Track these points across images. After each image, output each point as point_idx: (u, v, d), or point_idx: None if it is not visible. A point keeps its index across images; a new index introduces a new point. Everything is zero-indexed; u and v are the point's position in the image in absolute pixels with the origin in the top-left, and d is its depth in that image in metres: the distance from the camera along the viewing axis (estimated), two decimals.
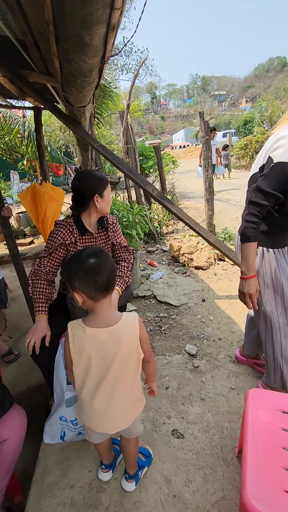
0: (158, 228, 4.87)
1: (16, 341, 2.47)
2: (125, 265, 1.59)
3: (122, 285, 1.50)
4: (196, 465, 1.29)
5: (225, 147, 9.63)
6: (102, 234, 1.55)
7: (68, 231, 1.43)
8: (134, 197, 4.64)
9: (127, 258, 1.63)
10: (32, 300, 1.42)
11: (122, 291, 1.49)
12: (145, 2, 1.38)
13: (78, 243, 1.46)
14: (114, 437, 1.37)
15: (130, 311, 2.65)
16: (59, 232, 1.42)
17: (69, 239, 1.43)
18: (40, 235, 5.77)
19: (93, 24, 0.99)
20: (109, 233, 1.57)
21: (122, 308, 1.63)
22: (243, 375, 1.79)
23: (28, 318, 2.66)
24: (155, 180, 6.45)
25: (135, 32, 1.58)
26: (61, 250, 1.45)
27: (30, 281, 1.44)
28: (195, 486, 1.21)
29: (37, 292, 1.41)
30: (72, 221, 1.46)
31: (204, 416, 1.53)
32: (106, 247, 1.58)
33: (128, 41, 1.95)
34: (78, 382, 0.99)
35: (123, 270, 1.57)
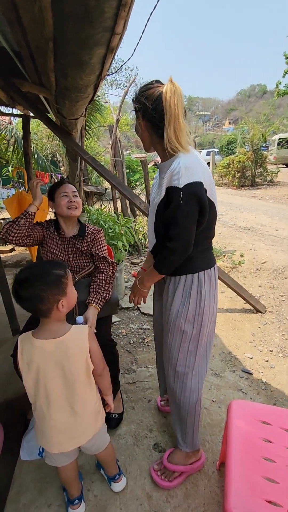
0: (142, 240, 4.92)
1: None
2: (102, 277, 1.56)
3: (99, 301, 1.48)
4: None
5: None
6: (78, 241, 1.58)
7: (46, 224, 1.61)
8: (119, 209, 4.69)
9: (105, 270, 1.59)
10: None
11: (100, 307, 1.48)
12: (145, 26, 1.46)
13: (51, 238, 1.57)
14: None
15: (114, 322, 2.63)
16: (40, 222, 1.63)
17: (47, 225, 1.60)
18: None
19: (92, 46, 1.04)
20: (85, 242, 1.58)
21: (106, 318, 1.62)
22: (224, 388, 1.82)
23: (7, 328, 2.56)
24: (140, 193, 6.57)
25: (132, 54, 1.66)
26: (38, 228, 1.57)
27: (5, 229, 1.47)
28: (177, 501, 1.20)
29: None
30: (52, 221, 1.63)
31: None
32: (80, 253, 1.59)
33: (125, 62, 2.05)
34: (30, 397, 0.98)
35: (100, 284, 1.53)
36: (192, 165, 1.01)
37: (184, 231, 1.00)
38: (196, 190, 0.98)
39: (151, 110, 1.05)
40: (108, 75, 0.74)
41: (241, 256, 3.90)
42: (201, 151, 20.68)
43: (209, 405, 1.68)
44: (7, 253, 5.18)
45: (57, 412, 0.96)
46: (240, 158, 10.85)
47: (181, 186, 0.98)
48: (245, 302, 2.76)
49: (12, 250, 5.35)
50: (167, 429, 1.54)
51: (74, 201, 1.52)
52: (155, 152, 1.20)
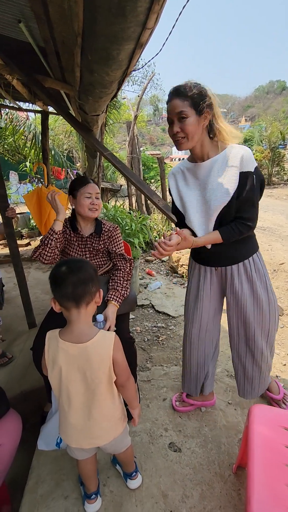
0: (157, 238, 4.90)
1: (9, 343, 2.42)
2: (120, 274, 1.56)
3: (118, 299, 1.48)
4: (193, 481, 1.28)
5: None
6: (95, 239, 1.58)
7: (63, 227, 1.57)
8: (133, 205, 4.69)
9: (123, 266, 1.59)
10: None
11: (119, 305, 1.48)
12: (176, 20, 1.44)
13: (67, 239, 1.57)
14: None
15: (130, 319, 2.64)
16: None
17: (63, 229, 1.56)
18: (38, 238, 5.74)
19: (122, 40, 1.03)
20: (103, 240, 1.59)
21: (125, 315, 1.62)
22: None
23: (23, 321, 2.61)
24: (155, 190, 6.54)
25: (160, 50, 1.64)
26: (61, 237, 1.54)
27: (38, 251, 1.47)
28: (192, 502, 1.20)
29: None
30: (67, 219, 1.61)
31: (201, 430, 1.52)
32: (97, 252, 1.60)
33: (153, 58, 2.04)
34: (55, 392, 1.00)
35: (118, 281, 1.54)
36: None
37: (257, 210, 1.16)
38: (260, 173, 1.15)
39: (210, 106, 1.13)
40: (134, 70, 0.73)
41: None
42: None
43: (225, 406, 1.66)
44: (23, 247, 5.28)
45: (76, 413, 0.97)
46: (256, 156, 10.64)
47: (253, 170, 1.11)
48: None
49: (28, 244, 5.45)
50: (182, 429, 1.53)
51: (96, 203, 1.52)
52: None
